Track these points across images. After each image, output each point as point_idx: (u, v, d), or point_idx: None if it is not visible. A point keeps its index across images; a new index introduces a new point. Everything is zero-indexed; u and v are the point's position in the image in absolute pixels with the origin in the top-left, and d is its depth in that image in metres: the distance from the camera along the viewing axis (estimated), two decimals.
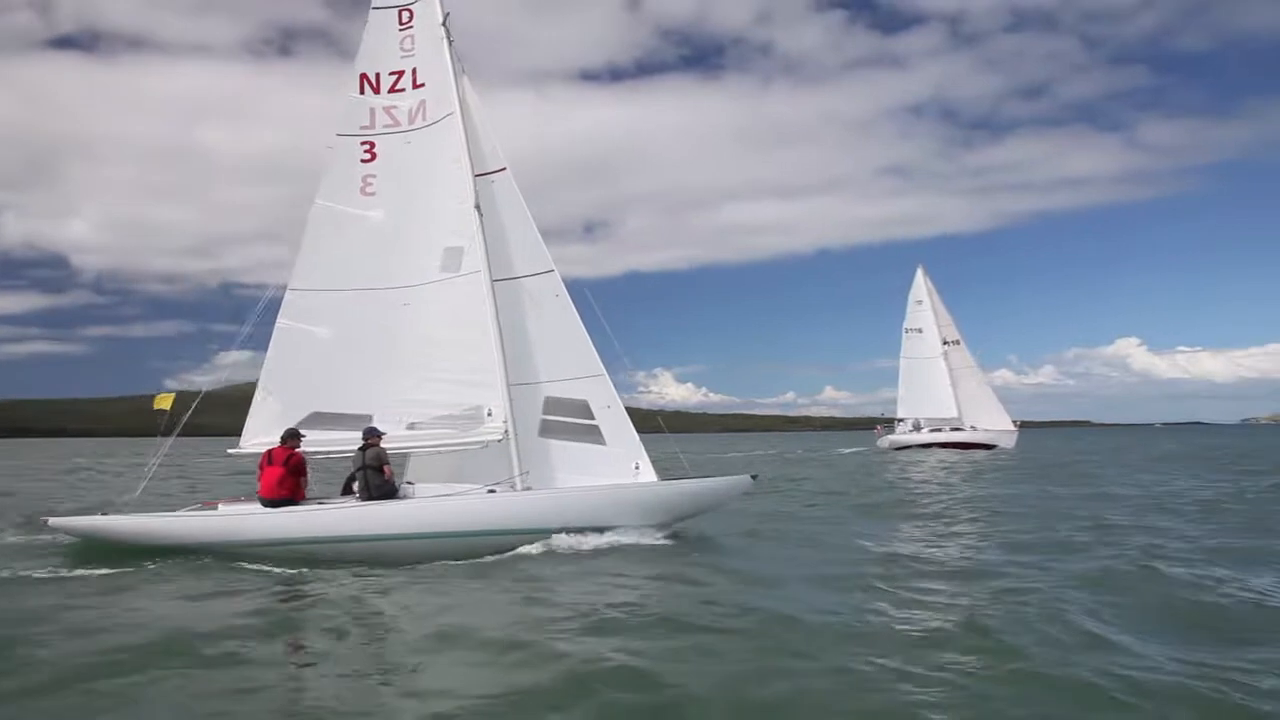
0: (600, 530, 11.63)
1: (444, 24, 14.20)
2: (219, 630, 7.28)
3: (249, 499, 12.29)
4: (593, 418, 13.24)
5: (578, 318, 13.57)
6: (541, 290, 13.63)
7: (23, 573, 10.01)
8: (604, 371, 13.41)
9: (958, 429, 50.39)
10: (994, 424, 50.55)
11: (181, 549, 11.04)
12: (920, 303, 53.98)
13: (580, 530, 11.52)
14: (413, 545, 11.04)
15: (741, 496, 13.69)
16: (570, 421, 13.25)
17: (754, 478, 13.45)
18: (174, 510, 12.21)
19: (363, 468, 11.69)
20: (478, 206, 13.45)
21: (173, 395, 12.45)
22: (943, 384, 52.05)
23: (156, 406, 12.42)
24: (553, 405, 13.27)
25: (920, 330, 53.61)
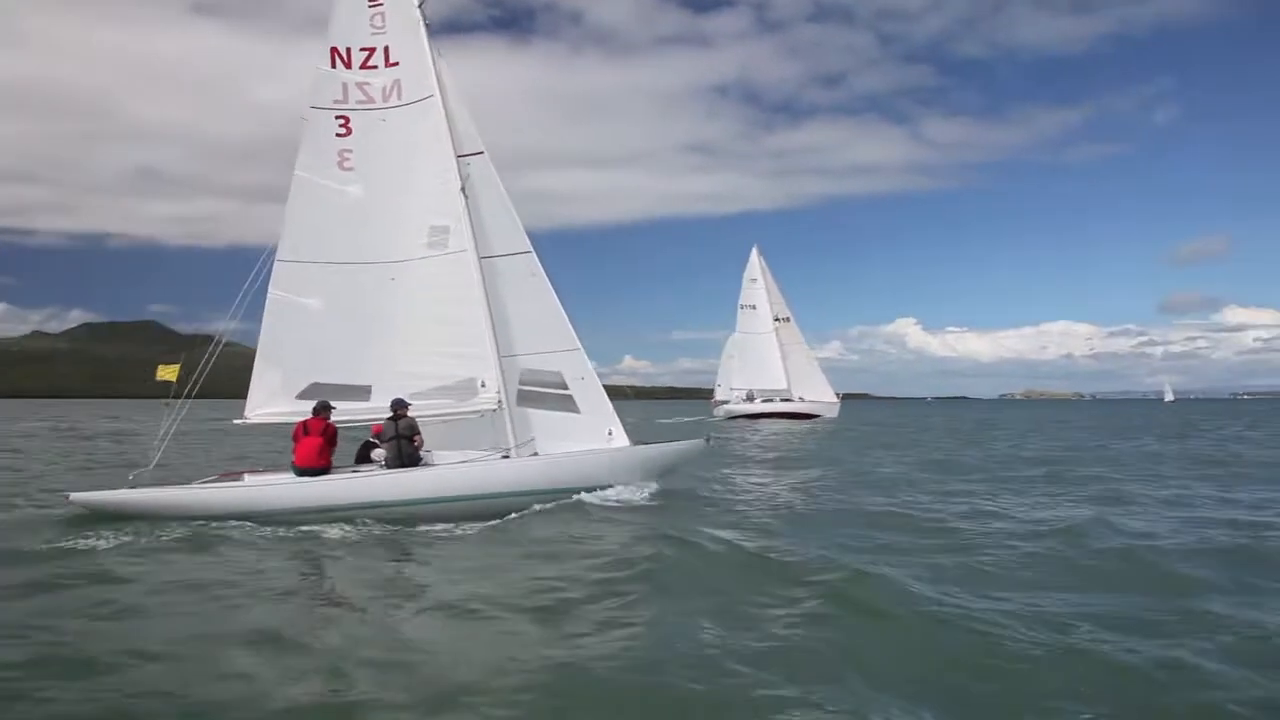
0: (600, 489, 12.88)
1: (420, 6, 14.62)
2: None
3: (269, 469, 12.55)
4: (567, 388, 14.30)
5: (554, 295, 14.51)
6: (519, 269, 14.44)
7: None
8: (579, 346, 14.48)
9: (787, 400, 54.27)
10: (819, 396, 54.91)
11: (221, 519, 11.16)
12: (754, 281, 57.44)
13: (583, 490, 12.71)
14: (442, 508, 11.80)
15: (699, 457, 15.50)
16: (546, 391, 14.24)
17: (708, 440, 15.25)
18: (190, 482, 12.24)
19: (395, 437, 12.23)
20: (464, 189, 14.09)
21: (177, 366, 12.38)
22: (774, 358, 55.80)
23: (160, 378, 12.33)
24: (529, 376, 14.21)
25: (754, 307, 57.10)
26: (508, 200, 14.59)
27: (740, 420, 52.37)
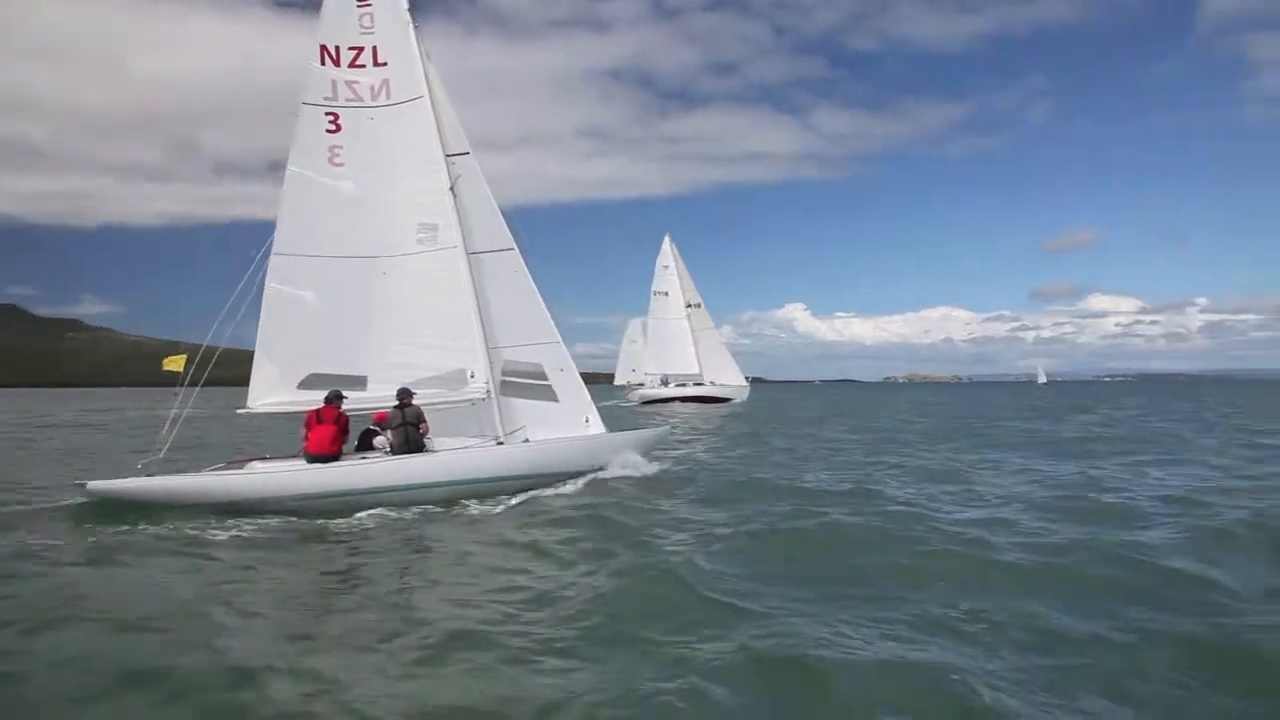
0: (584, 473, 13.91)
1: (410, 9, 15.14)
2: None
3: (274, 457, 13.02)
4: (546, 379, 15.20)
5: (535, 290, 15.34)
6: (503, 265, 15.21)
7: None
8: (559, 339, 15.38)
9: (699, 384, 55.99)
10: (730, 380, 56.86)
11: (234, 507, 11.61)
12: (667, 268, 58.87)
13: (574, 472, 13.71)
14: (448, 491, 12.58)
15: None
16: (526, 382, 15.10)
17: (671, 429, 16.57)
18: (198, 470, 12.59)
19: (403, 424, 12.89)
20: (453, 189, 14.76)
21: (183, 356, 12.68)
22: (686, 343, 57.40)
23: (167, 368, 12.60)
24: (512, 367, 15.04)
25: (666, 293, 58.56)
26: (492, 199, 15.33)
27: (656, 405, 53.80)
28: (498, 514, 11.92)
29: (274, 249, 13.93)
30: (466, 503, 12.48)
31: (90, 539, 10.17)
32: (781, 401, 70.79)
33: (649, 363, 58.50)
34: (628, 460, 14.83)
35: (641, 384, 58.96)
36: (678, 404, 53.17)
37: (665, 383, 56.93)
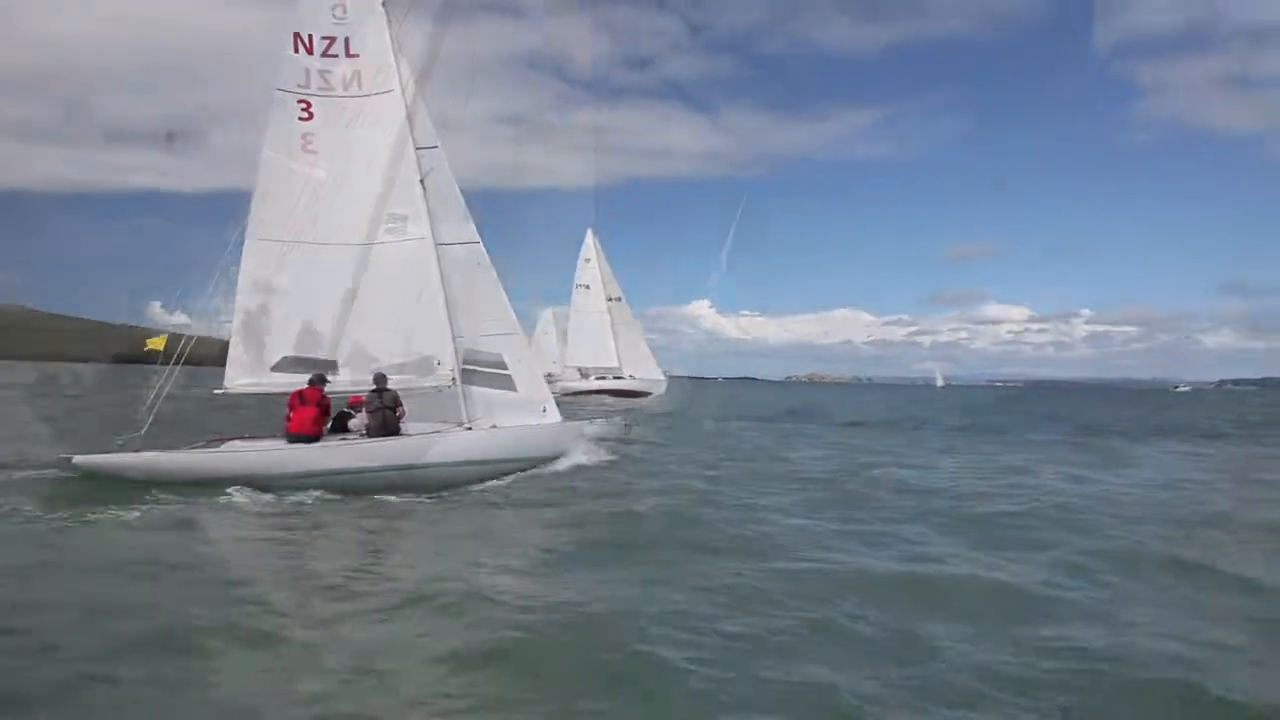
0: (550, 458, 14.60)
1: (384, 5, 15.52)
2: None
3: (252, 436, 13.29)
4: (506, 368, 15.81)
5: (498, 282, 15.93)
6: (467, 257, 15.75)
7: None
8: (519, 330, 16.07)
9: (619, 378, 56.84)
10: (648, 374, 57.87)
11: (217, 484, 11.87)
12: (589, 261, 59.50)
13: (540, 459, 14.40)
14: (422, 474, 13.10)
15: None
16: (488, 371, 15.67)
17: (627, 427, 17.52)
18: (175, 448, 12.77)
19: (380, 408, 13.32)
20: (423, 181, 15.23)
21: (164, 337, 12.89)
22: (606, 336, 58.16)
23: (149, 348, 12.79)
24: (473, 356, 15.59)
25: (588, 286, 59.18)
26: (458, 192, 15.86)
27: (576, 397, 54.35)
28: (397, 501, 12.05)
29: (248, 233, 14.21)
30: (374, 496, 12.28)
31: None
32: (692, 398, 72.29)
33: (570, 355, 59.03)
34: (587, 448, 15.61)
35: (559, 377, 59.39)
36: (593, 396, 53.83)
37: (585, 375, 57.59)
